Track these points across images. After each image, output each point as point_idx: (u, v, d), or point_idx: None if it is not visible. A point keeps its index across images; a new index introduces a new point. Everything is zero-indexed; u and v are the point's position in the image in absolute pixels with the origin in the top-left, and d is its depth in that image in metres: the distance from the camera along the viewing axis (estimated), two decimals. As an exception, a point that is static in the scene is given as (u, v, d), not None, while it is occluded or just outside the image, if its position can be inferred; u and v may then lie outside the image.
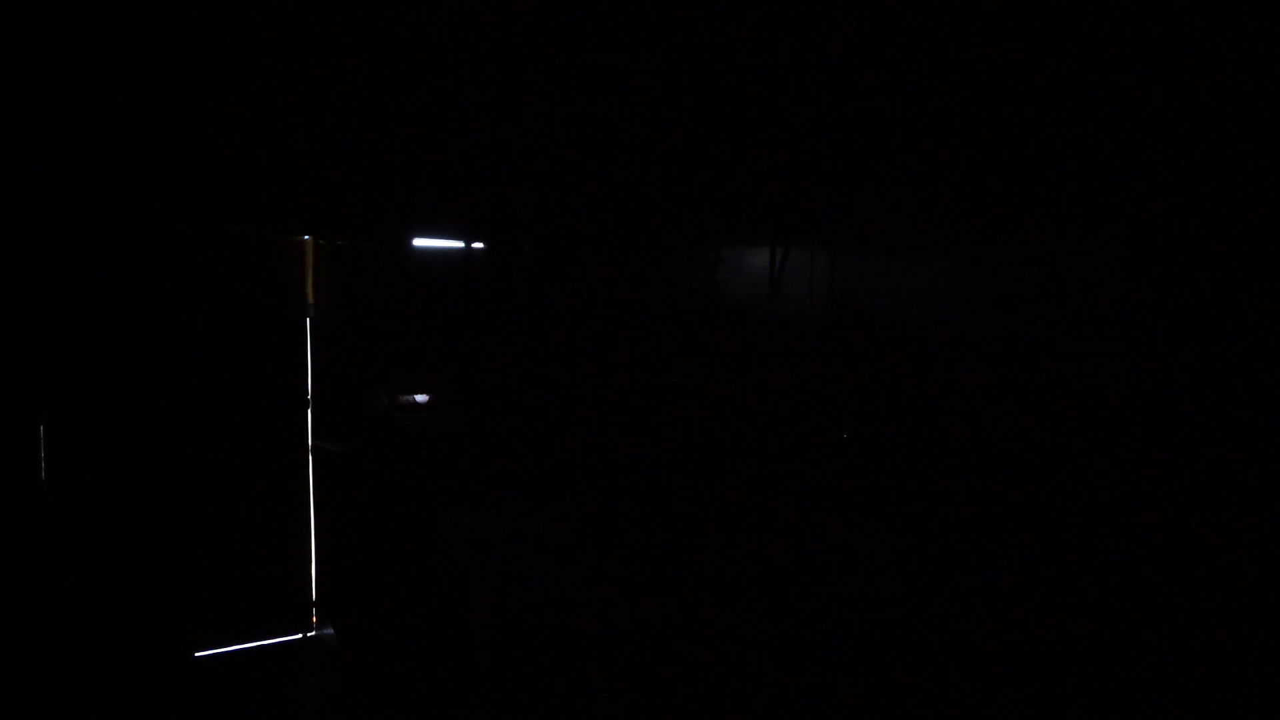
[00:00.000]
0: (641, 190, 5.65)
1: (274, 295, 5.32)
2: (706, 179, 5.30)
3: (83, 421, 4.58)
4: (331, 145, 5.12)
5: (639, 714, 3.15)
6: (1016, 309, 3.82)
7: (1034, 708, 2.40)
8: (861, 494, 4.47)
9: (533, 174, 5.70)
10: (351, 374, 5.46)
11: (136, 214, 4.58)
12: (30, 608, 4.30)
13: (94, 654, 4.46)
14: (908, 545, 3.62)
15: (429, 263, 5.71)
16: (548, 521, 3.73)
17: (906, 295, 4.43)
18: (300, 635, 5.48)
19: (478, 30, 4.70)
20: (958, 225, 4.14)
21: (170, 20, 4.39)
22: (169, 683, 4.30)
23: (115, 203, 4.50)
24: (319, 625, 5.39)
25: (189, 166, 4.67)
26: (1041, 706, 2.41)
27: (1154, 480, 3.15)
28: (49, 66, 4.19)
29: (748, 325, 5.38)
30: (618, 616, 2.73)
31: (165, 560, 4.87)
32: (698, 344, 5.63)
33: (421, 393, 5.45)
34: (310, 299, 5.32)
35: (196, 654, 4.43)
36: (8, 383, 4.24)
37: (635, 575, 3.09)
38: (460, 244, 5.63)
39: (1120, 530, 3.48)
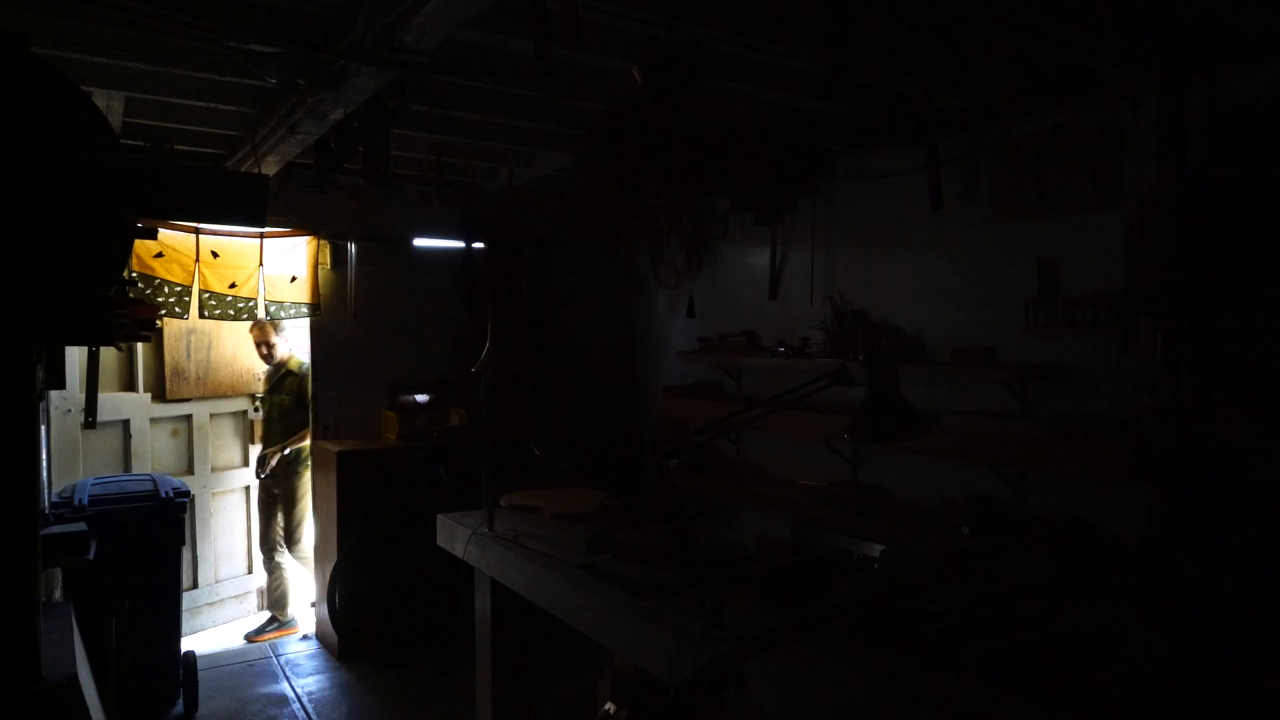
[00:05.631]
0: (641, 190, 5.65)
1: (274, 295, 5.31)
2: (706, 179, 5.29)
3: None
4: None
5: (640, 713, 3.16)
6: (1016, 309, 3.83)
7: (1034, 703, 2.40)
8: (862, 492, 4.47)
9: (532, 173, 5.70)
10: (351, 374, 5.48)
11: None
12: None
13: (93, 654, 4.45)
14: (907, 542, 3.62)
15: (429, 263, 5.73)
16: (548, 521, 3.72)
17: (906, 295, 4.44)
18: (300, 635, 5.48)
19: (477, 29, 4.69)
20: (957, 226, 4.15)
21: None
22: (168, 682, 4.31)
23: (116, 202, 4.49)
24: (318, 625, 5.40)
25: (189, 166, 4.67)
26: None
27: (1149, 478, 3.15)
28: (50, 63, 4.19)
29: (747, 325, 5.40)
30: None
31: (165, 559, 4.86)
32: (696, 342, 5.63)
33: (422, 393, 5.46)
34: (310, 299, 5.32)
35: (196, 654, 4.44)
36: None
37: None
38: (460, 244, 5.64)
39: (1116, 527, 3.48)
